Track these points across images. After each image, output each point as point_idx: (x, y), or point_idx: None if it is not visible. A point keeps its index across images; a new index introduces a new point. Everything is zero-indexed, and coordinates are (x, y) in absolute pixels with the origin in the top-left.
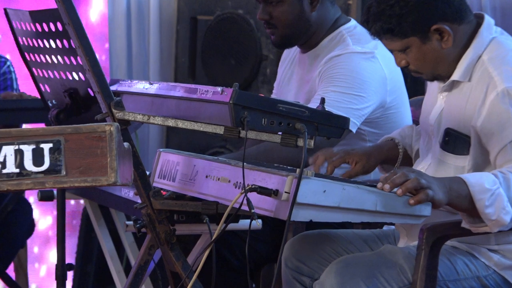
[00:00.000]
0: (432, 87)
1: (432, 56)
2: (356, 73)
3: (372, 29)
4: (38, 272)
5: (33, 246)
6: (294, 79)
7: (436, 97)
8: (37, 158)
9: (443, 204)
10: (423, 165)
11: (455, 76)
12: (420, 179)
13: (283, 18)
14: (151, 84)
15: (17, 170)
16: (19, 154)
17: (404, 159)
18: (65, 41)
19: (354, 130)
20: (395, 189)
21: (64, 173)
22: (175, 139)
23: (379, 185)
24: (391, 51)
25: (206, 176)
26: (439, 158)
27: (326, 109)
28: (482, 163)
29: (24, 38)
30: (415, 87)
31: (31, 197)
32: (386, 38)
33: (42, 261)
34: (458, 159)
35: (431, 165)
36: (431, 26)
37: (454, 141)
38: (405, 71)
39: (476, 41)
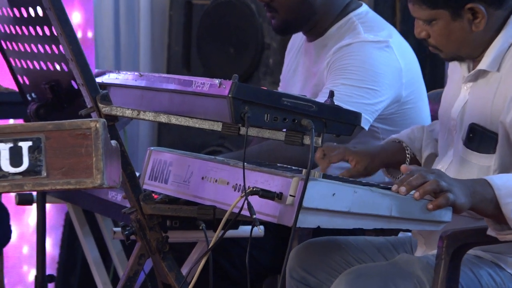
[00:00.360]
0: (454, 77)
1: (459, 36)
2: (368, 64)
3: None
4: (26, 276)
5: (22, 245)
6: (299, 70)
7: (459, 88)
8: (15, 157)
9: (466, 209)
10: (443, 164)
11: (483, 65)
12: (440, 181)
13: (285, 1)
14: (141, 75)
15: None
16: None
17: (411, 164)
18: (46, 28)
19: (366, 128)
20: (412, 192)
21: (45, 174)
22: (168, 137)
23: (394, 187)
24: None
25: (202, 178)
26: (462, 156)
27: (336, 104)
28: (510, 164)
29: (0, 24)
30: (434, 80)
31: None
32: (414, 3)
33: (32, 263)
34: (483, 158)
35: (452, 163)
36: (466, 4)
37: (479, 138)
38: (424, 45)
39: (508, 28)
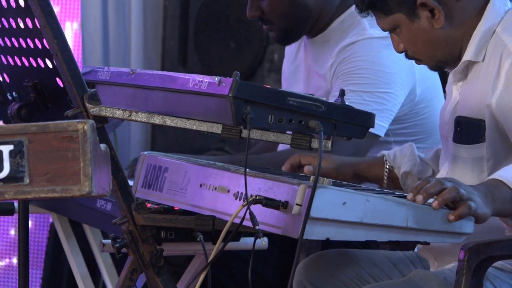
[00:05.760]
0: (449, 84)
1: (424, 38)
2: (377, 64)
3: (360, 3)
4: None
5: None
6: (301, 69)
7: (452, 91)
8: None
9: (488, 217)
10: (441, 173)
11: (467, 56)
12: (459, 188)
13: (275, 9)
14: (132, 72)
15: None
16: None
17: (391, 181)
18: (28, 20)
19: (382, 134)
20: (430, 201)
21: (28, 181)
22: (163, 140)
23: (410, 196)
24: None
25: (201, 185)
26: (454, 154)
27: (347, 104)
28: (502, 150)
29: None
30: None
31: None
32: (374, 16)
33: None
34: (473, 149)
35: (446, 166)
36: (416, 0)
37: (466, 128)
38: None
39: (488, 13)
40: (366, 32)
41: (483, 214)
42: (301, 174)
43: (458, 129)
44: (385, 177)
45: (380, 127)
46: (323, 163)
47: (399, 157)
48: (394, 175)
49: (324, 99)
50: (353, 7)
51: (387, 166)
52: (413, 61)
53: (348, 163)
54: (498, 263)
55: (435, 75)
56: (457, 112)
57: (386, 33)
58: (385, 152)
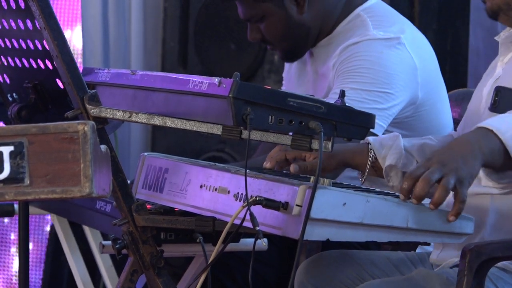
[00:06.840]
0: (493, 67)
1: None
2: (378, 64)
3: None
4: None
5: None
6: (307, 72)
7: (495, 70)
8: None
9: (477, 172)
10: None
11: None
12: (447, 185)
13: (272, 32)
14: (133, 73)
15: None
16: None
17: (374, 170)
18: (28, 21)
19: (380, 134)
20: (426, 201)
21: (28, 182)
22: (163, 141)
23: (401, 197)
24: None
25: (201, 186)
26: None
27: (347, 105)
28: None
29: None
30: (455, 78)
31: None
32: None
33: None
34: None
35: None
36: None
37: (504, 98)
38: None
39: None
40: (369, 33)
41: (470, 184)
42: (300, 175)
43: (496, 98)
44: (368, 166)
45: (378, 127)
46: (307, 155)
47: (385, 147)
48: (378, 165)
49: (325, 100)
50: (358, 9)
51: (371, 155)
52: (416, 64)
53: (333, 154)
54: (501, 263)
55: (439, 79)
56: (498, 84)
57: (389, 35)
58: (370, 139)
